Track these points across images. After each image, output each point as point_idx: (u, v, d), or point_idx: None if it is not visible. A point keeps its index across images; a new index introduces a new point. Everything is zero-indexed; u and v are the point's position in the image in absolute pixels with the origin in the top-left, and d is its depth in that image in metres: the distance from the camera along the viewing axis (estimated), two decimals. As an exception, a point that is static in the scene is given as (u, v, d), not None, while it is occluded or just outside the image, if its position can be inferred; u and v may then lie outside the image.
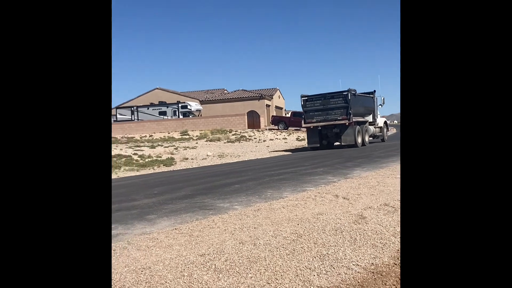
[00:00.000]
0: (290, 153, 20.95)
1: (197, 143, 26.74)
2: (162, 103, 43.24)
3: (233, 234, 4.10)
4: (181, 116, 39.85)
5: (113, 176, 13.96)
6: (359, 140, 21.51)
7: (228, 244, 3.66)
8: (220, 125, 35.75)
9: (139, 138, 31.70)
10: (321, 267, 2.95)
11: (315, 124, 21.62)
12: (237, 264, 3.07)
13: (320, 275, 2.80)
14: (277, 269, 2.93)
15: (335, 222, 4.25)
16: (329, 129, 21.57)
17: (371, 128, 23.93)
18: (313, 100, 21.81)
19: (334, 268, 2.92)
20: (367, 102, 23.68)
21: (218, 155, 20.42)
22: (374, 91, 24.62)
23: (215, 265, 3.09)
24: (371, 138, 25.28)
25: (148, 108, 42.31)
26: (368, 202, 5.33)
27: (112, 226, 5.01)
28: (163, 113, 41.36)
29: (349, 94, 20.69)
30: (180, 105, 41.08)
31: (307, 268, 2.94)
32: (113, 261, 3.45)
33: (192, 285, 2.73)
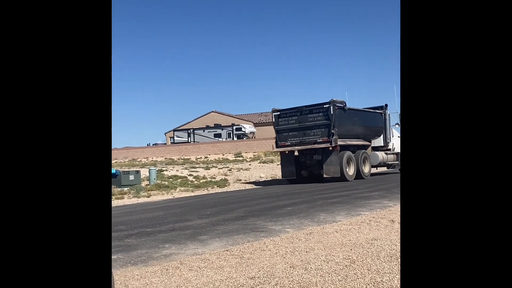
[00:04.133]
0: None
1: (250, 164, 26.93)
2: (217, 126, 44.23)
3: (284, 257, 4.05)
4: (235, 138, 40.50)
5: (169, 196, 14.34)
6: (350, 171, 15.98)
7: (278, 268, 3.61)
8: (274, 147, 35.91)
9: (194, 160, 32.47)
10: (375, 295, 2.83)
11: (289, 149, 16.23)
12: (287, 289, 3.02)
13: (374, 304, 2.69)
14: (328, 296, 2.84)
15: (390, 248, 4.08)
16: (308, 155, 16.15)
17: (380, 154, 18.06)
18: (287, 116, 16.54)
19: (388, 297, 2.79)
20: (371, 119, 18.18)
21: (271, 177, 20.43)
22: (386, 105, 19.01)
23: (265, 288, 3.05)
24: (385, 168, 20.08)
25: (204, 131, 43.43)
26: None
27: (166, 245, 5.12)
28: (218, 135, 42.25)
29: (331, 106, 15.36)
30: (234, 128, 41.81)
31: (360, 295, 2.83)
32: (165, 280, 3.52)
33: (242, 308, 2.71)
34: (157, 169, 21.15)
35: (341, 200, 8.98)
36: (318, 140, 15.64)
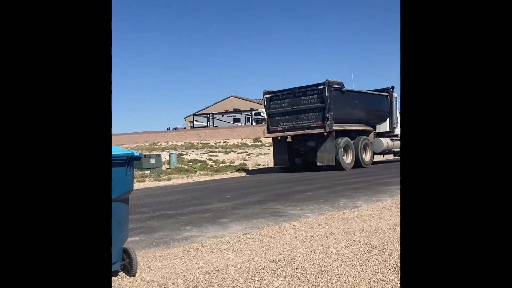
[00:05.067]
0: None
1: (269, 149, 26.95)
2: (236, 110, 44.29)
3: (304, 242, 4.06)
4: (254, 123, 40.50)
5: (189, 180, 14.49)
6: (347, 159, 14.64)
7: (299, 252, 3.63)
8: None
9: (213, 144, 32.65)
10: (396, 279, 2.81)
11: (281, 134, 14.94)
12: (308, 272, 3.03)
13: (395, 289, 2.68)
14: (349, 280, 2.85)
15: (412, 235, 4.04)
16: (301, 142, 14.88)
17: (384, 141, 16.52)
18: (279, 99, 15.16)
19: (410, 282, 2.77)
20: (375, 103, 16.67)
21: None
22: (392, 87, 17.36)
23: (286, 272, 3.07)
24: (392, 156, 18.68)
25: (223, 115, 43.55)
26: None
27: (187, 228, 5.19)
28: (237, 120, 42.32)
29: (326, 88, 13.90)
30: (253, 112, 41.79)
31: (381, 280, 2.82)
32: (187, 261, 3.57)
33: (263, 290, 2.74)
34: (177, 153, 21.36)
35: (361, 186, 8.92)
36: (312, 125, 14.22)
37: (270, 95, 15.32)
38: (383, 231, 4.29)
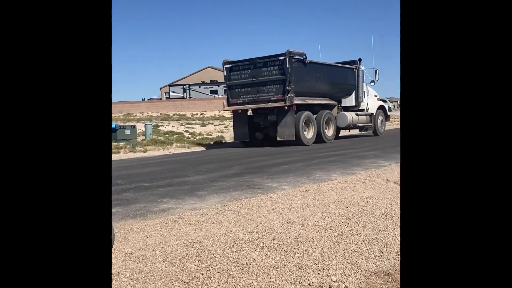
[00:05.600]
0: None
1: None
2: (213, 82, 43.80)
3: (281, 213, 4.13)
4: (231, 95, 40.25)
5: (166, 152, 14.40)
6: (308, 134, 14.10)
7: (276, 223, 3.69)
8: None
9: (190, 116, 32.38)
10: (369, 251, 2.91)
11: (241, 107, 14.30)
12: (285, 243, 3.10)
13: (369, 259, 2.77)
14: (324, 251, 2.93)
15: (385, 207, 4.16)
16: (262, 116, 14.34)
17: (349, 115, 15.99)
18: (239, 69, 14.28)
19: (383, 253, 2.88)
20: (340, 76, 16.00)
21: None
22: (359, 60, 16.73)
23: (263, 243, 3.13)
24: (360, 131, 18.32)
25: (200, 87, 43.04)
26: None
27: (164, 200, 5.20)
28: (214, 92, 41.92)
29: (287, 59, 13.16)
30: (230, 84, 41.48)
31: (355, 251, 2.91)
32: (164, 233, 3.59)
33: (241, 261, 2.79)
34: (152, 124, 21.11)
35: (337, 159, 9.07)
36: (272, 98, 13.59)
37: (230, 65, 14.42)
38: (357, 203, 4.40)
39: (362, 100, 16.95)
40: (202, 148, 15.74)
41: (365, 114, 17.21)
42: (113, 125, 3.61)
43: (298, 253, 2.91)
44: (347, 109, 16.62)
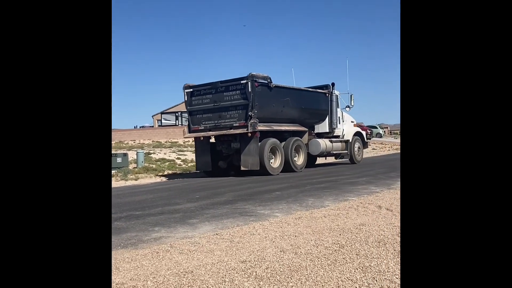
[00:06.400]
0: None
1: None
2: (205, 109, 43.93)
3: (274, 241, 4.10)
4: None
5: (157, 180, 14.31)
6: (275, 162, 13.28)
7: (269, 252, 3.66)
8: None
9: (182, 143, 32.33)
10: (363, 279, 2.89)
11: (203, 134, 13.42)
12: (278, 272, 3.07)
13: (362, 287, 2.75)
14: (318, 279, 2.90)
15: (378, 234, 4.15)
16: (225, 143, 13.46)
17: (322, 142, 15.15)
18: (200, 94, 13.53)
19: (376, 280, 2.86)
20: (312, 101, 15.21)
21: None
22: (332, 84, 15.94)
23: (256, 272, 3.10)
24: (335, 158, 17.36)
25: (191, 114, 43.12)
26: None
27: (156, 228, 5.14)
28: (206, 119, 41.99)
29: (249, 83, 12.36)
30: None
31: (348, 279, 2.89)
32: (156, 263, 3.54)
33: (233, 291, 2.75)
34: (144, 152, 21.04)
35: (329, 186, 9.07)
36: (234, 124, 12.74)
37: (191, 90, 13.67)
38: (351, 230, 4.38)
39: (337, 126, 16.15)
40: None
41: (341, 141, 16.37)
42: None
43: (291, 282, 2.88)
44: (321, 135, 15.92)
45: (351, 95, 16.78)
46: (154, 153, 23.81)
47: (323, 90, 15.76)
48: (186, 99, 13.84)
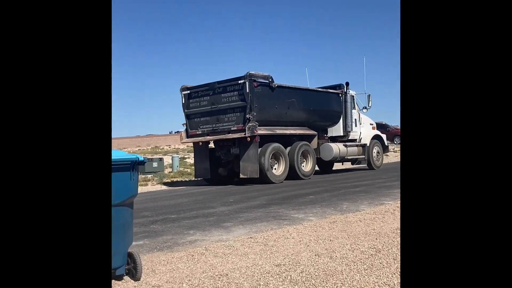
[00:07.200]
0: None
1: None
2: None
3: (308, 245, 4.06)
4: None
5: (192, 184, 14.49)
6: (278, 169, 12.21)
7: (303, 256, 3.63)
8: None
9: (216, 148, 32.59)
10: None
11: (201, 139, 12.41)
12: (313, 277, 3.03)
13: (401, 293, 2.68)
14: (354, 284, 2.85)
15: (416, 238, 4.04)
16: (224, 149, 12.37)
17: (335, 147, 14.00)
18: (198, 96, 12.52)
19: (415, 286, 2.77)
20: (322, 101, 13.86)
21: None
22: (346, 84, 14.66)
23: (291, 276, 3.08)
24: (352, 164, 16.27)
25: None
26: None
27: (191, 231, 5.20)
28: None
29: (246, 83, 11.33)
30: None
31: (385, 284, 2.82)
32: (191, 266, 3.58)
33: (268, 294, 2.74)
34: (179, 156, 21.38)
35: (364, 189, 8.92)
36: (232, 128, 11.68)
37: (189, 92, 12.66)
38: (387, 235, 4.29)
39: (352, 129, 14.87)
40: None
41: (357, 145, 15.13)
42: (141, 158, 3.71)
43: (327, 286, 2.84)
44: (335, 139, 14.75)
45: (368, 95, 15.63)
46: (188, 157, 24.14)
47: (335, 90, 14.51)
48: (183, 102, 12.79)
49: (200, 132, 12.39)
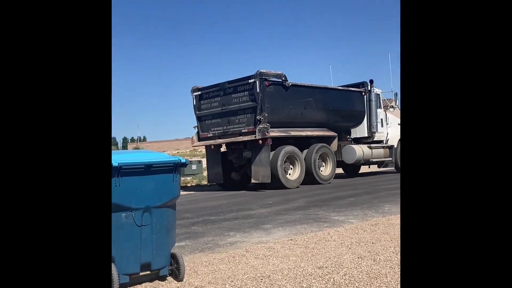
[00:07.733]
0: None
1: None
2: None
3: (350, 248, 4.00)
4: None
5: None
6: (293, 174, 11.45)
7: (346, 258, 3.57)
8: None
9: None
10: None
11: (212, 142, 11.82)
12: (356, 279, 2.98)
13: (449, 298, 2.59)
14: (399, 287, 2.78)
15: (464, 242, 3.90)
16: (236, 152, 11.66)
17: (358, 149, 13.21)
18: (209, 97, 11.90)
19: (465, 291, 2.67)
20: (343, 101, 12.95)
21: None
22: (370, 81, 13.66)
23: (333, 278, 3.04)
24: (378, 167, 15.26)
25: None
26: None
27: (231, 233, 5.23)
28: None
29: (257, 82, 10.61)
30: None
31: None
32: (232, 267, 3.60)
33: (311, 297, 2.72)
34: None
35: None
36: (243, 130, 10.99)
37: (200, 93, 12.03)
38: (432, 237, 4.16)
39: (377, 129, 13.86)
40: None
41: (383, 147, 14.18)
42: (183, 160, 3.82)
43: (371, 290, 2.78)
44: (359, 141, 13.91)
45: (395, 93, 14.73)
46: (226, 160, 24.37)
47: (358, 88, 13.54)
48: (194, 103, 12.23)
49: (211, 135, 11.88)
